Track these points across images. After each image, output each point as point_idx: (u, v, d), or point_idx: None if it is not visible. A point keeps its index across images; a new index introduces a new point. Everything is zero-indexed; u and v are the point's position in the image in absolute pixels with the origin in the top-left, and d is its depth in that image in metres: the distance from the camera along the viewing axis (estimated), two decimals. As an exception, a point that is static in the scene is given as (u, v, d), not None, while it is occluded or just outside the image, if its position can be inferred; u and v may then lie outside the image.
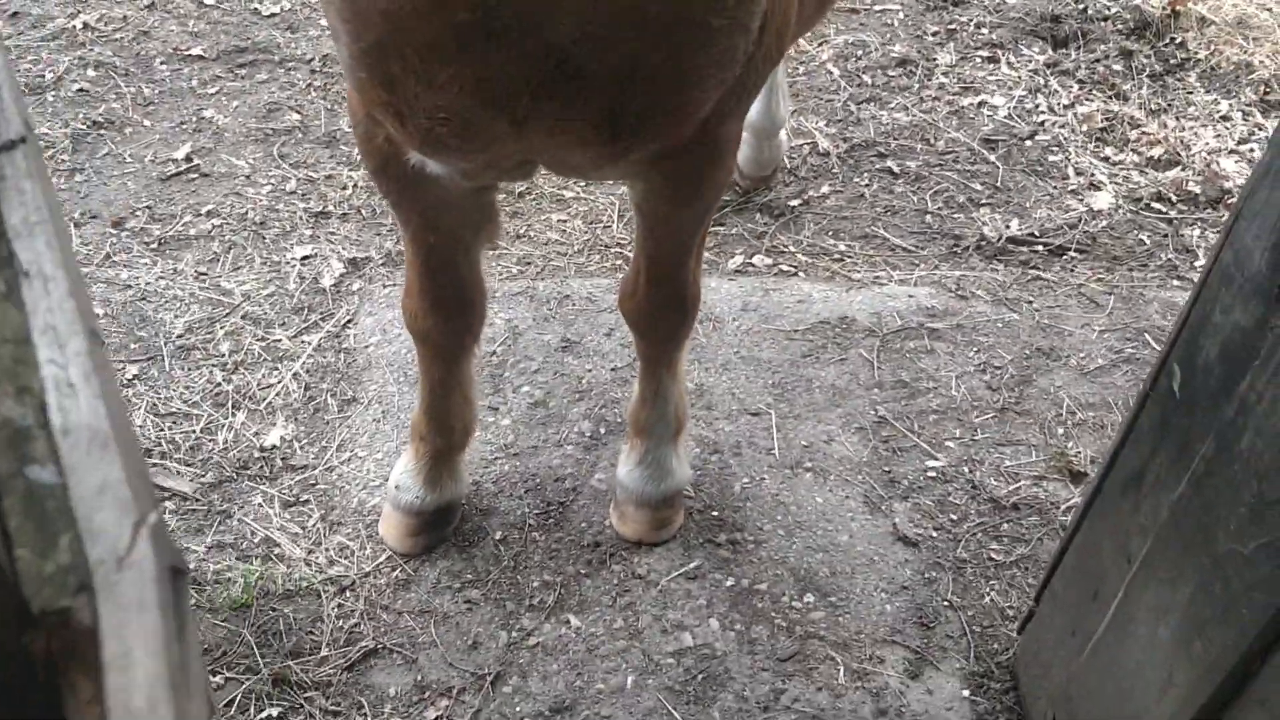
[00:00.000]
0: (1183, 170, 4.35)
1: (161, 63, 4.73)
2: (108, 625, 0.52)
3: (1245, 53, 4.95)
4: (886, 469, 3.14)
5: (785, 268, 3.85)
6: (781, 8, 2.08)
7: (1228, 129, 4.56)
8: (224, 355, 3.47)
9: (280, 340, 3.53)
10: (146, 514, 0.58)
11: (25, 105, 0.88)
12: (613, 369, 3.39)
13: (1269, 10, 5.18)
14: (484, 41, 1.76)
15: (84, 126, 4.36)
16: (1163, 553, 2.02)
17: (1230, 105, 4.69)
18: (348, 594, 2.86)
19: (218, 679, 2.67)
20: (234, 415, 3.29)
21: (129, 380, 3.37)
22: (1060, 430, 3.28)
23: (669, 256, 2.54)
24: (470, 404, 2.90)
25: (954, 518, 3.03)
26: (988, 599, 2.85)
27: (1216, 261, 1.95)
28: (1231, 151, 4.45)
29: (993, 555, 2.95)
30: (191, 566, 2.90)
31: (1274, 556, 1.67)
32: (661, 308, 2.63)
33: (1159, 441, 2.11)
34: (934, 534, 2.99)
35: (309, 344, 3.51)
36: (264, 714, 2.61)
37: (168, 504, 3.06)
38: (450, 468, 2.92)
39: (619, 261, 3.81)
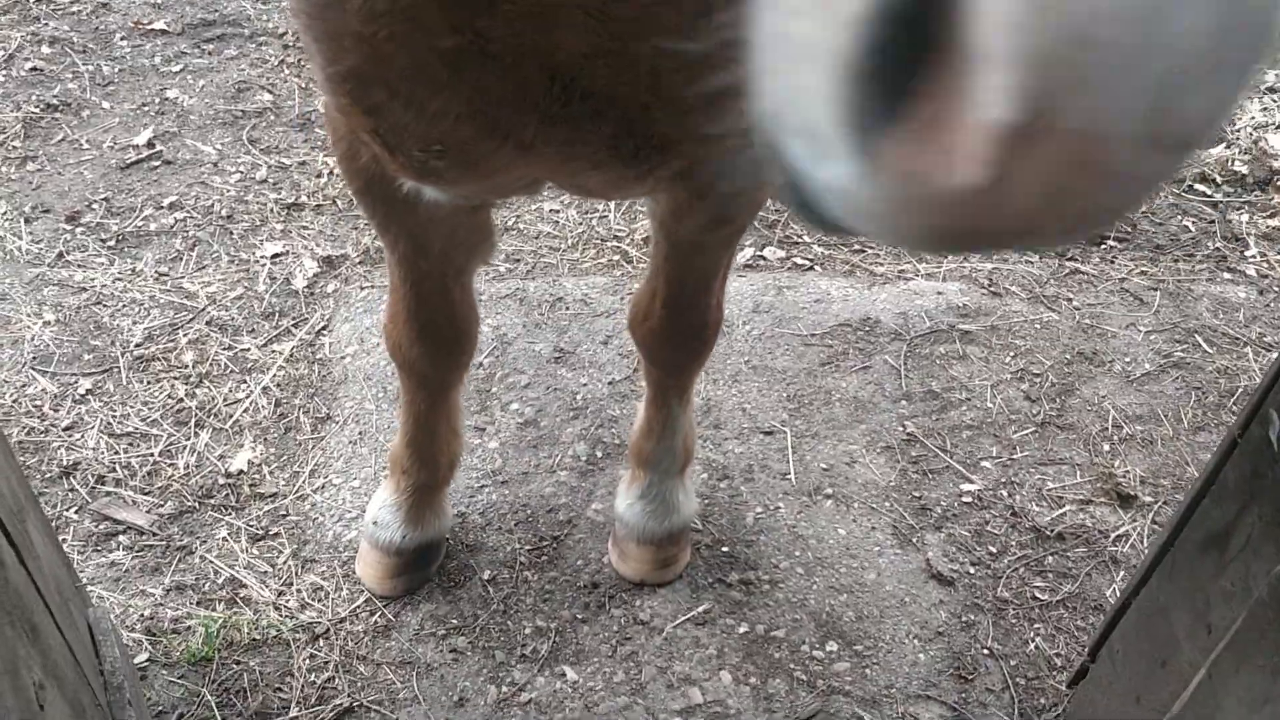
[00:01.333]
0: (1227, 148, 4.01)
1: (122, 38, 4.38)
2: None
3: (1291, 16, 4.59)
4: (917, 494, 2.84)
5: (800, 260, 3.53)
6: None
7: (1275, 102, 4.22)
8: (187, 367, 3.16)
9: (249, 349, 3.22)
10: None
11: None
12: (610, 382, 3.08)
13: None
14: (479, 66, 1.45)
15: (37, 109, 4.02)
16: (1260, 634, 1.73)
17: (1277, 76, 4.34)
18: (321, 643, 2.57)
19: (173, 747, 2.39)
20: (197, 435, 2.99)
21: (81, 396, 3.07)
22: (1106, 447, 2.97)
23: (694, 282, 2.20)
24: (458, 436, 2.60)
25: (993, 550, 2.73)
26: (1032, 646, 2.56)
27: (1331, 295, 1.63)
28: (1279, 127, 4.11)
29: (1036, 594, 2.65)
30: (146, 613, 2.61)
31: None
32: (680, 335, 2.30)
33: (1250, 499, 1.81)
34: (971, 570, 2.69)
35: (280, 354, 3.20)
36: (225, 788, 2.33)
37: (121, 539, 2.76)
38: (434, 503, 2.63)
39: (616, 256, 3.49)
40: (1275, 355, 1.79)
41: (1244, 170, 3.91)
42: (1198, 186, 3.86)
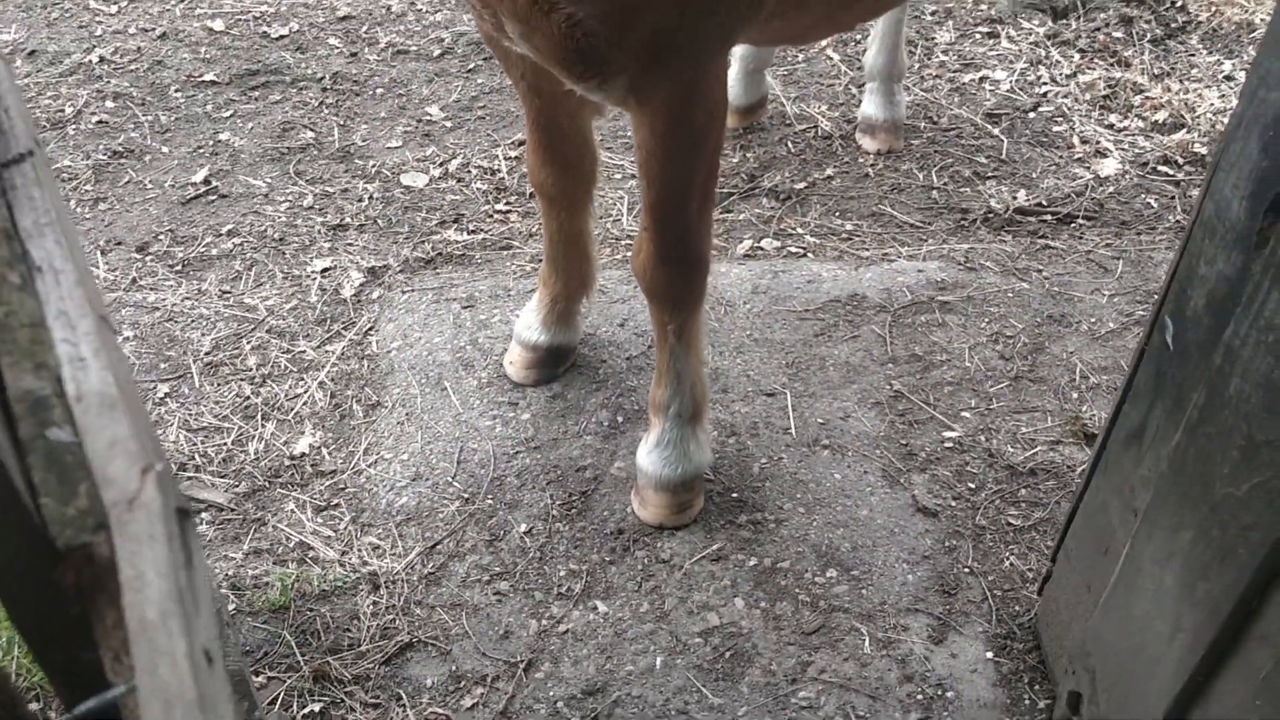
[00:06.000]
0: (1188, 132, 4.36)
1: (176, 90, 4.84)
2: (123, 555, 0.59)
3: (1246, 11, 4.96)
4: (904, 442, 3.19)
5: (794, 249, 3.91)
6: None
7: (1232, 88, 4.57)
8: (251, 369, 3.56)
9: (305, 351, 3.62)
10: (152, 463, 0.65)
11: (30, 120, 0.96)
12: (627, 358, 3.46)
13: (1269, -32, 5.18)
14: None
15: (105, 157, 4.47)
16: (1164, 502, 2.06)
17: (1234, 65, 4.70)
18: (381, 591, 2.94)
19: (259, 679, 2.75)
20: (263, 426, 3.39)
21: (160, 399, 3.47)
22: (1074, 395, 3.31)
23: (665, 202, 2.60)
24: (588, 259, 3.23)
25: (972, 486, 3.07)
26: (1007, 563, 2.90)
27: (1199, 215, 1.99)
28: (1236, 111, 4.46)
29: (1011, 520, 2.99)
30: (230, 573, 3.00)
31: (1266, 496, 1.71)
32: (664, 260, 2.69)
33: (1156, 395, 2.15)
34: (953, 503, 3.03)
35: (333, 353, 3.60)
36: (306, 710, 2.69)
37: (204, 515, 3.15)
38: (566, 315, 3.33)
39: (629, 253, 3.88)
40: (1165, 272, 2.14)
41: (1204, 151, 4.26)
42: (1161, 168, 4.21)
